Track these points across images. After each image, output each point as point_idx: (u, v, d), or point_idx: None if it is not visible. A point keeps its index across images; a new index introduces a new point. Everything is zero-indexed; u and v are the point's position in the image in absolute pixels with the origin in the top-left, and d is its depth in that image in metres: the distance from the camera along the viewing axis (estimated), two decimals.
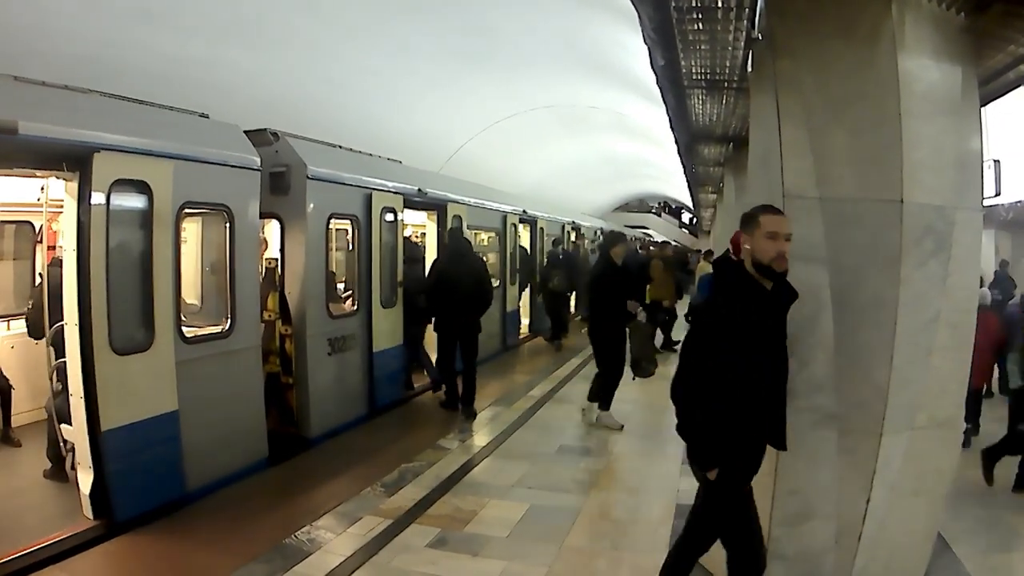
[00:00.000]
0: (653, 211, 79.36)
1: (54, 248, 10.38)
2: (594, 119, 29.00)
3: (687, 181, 24.99)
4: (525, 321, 24.30)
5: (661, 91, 10.54)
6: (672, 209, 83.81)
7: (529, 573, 7.15)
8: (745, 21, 6.92)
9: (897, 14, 5.70)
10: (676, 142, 15.80)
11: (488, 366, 18.00)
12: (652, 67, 9.24)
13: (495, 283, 20.14)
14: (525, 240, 23.78)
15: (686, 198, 54.98)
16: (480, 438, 11.85)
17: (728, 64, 8.43)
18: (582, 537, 8.07)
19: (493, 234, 21.07)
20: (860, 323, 5.88)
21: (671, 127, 13.87)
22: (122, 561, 7.42)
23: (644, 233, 67.48)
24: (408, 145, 19.93)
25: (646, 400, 14.55)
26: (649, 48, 8.33)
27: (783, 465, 5.97)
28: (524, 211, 23.11)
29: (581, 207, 41.23)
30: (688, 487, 8.20)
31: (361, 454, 10.94)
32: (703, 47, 7.89)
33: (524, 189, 27.97)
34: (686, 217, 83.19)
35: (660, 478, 9.93)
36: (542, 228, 25.40)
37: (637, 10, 7.20)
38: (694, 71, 8.84)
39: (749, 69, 7.98)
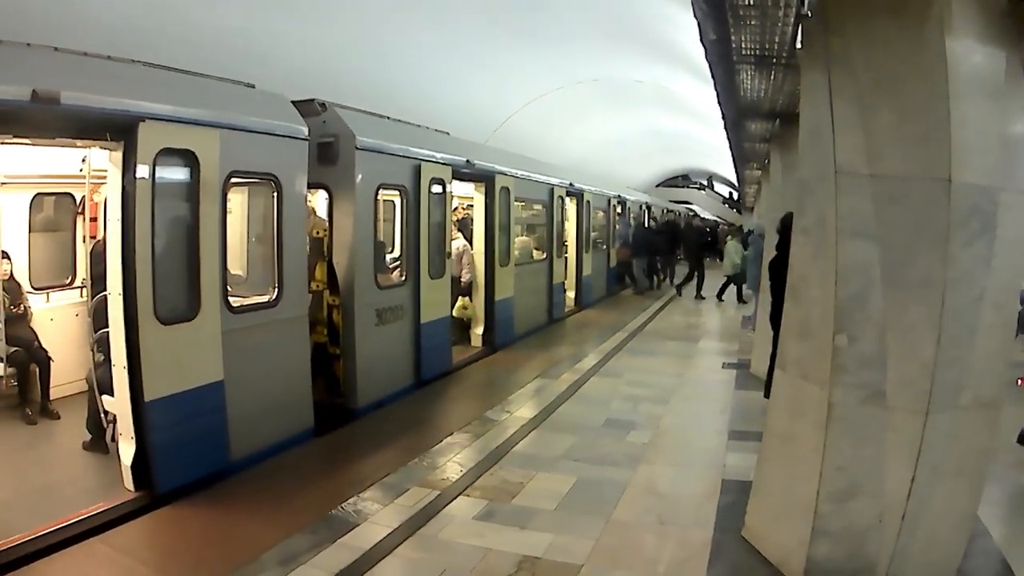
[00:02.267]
0: (697, 186, 78.91)
1: (95, 220, 10.24)
2: (639, 93, 28.71)
3: (732, 157, 24.62)
4: (570, 294, 23.91)
5: (710, 66, 10.34)
6: (716, 185, 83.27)
7: (576, 546, 6.98)
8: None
9: None
10: (723, 118, 15.48)
11: (534, 338, 18.22)
12: (702, 42, 9.06)
13: (542, 256, 20.15)
14: (572, 212, 23.52)
15: (729, 173, 54.62)
16: (527, 410, 11.62)
17: (777, 40, 8.25)
18: (629, 511, 7.87)
19: (540, 206, 20.84)
20: (908, 300, 5.79)
21: (718, 102, 13.56)
22: (164, 533, 7.26)
23: (688, 209, 67.04)
24: (454, 117, 19.61)
25: (693, 374, 14.54)
26: (699, 23, 8.16)
27: (831, 441, 5.92)
28: (571, 184, 22.75)
29: (626, 181, 40.92)
30: (735, 462, 9.19)
31: (407, 425, 10.77)
32: (753, 23, 7.71)
33: (569, 163, 27.79)
34: (728, 192, 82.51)
35: (707, 452, 9.79)
36: (588, 201, 24.97)
37: None
38: (744, 47, 8.65)
39: (798, 46, 7.82)
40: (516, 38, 20.47)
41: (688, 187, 77.21)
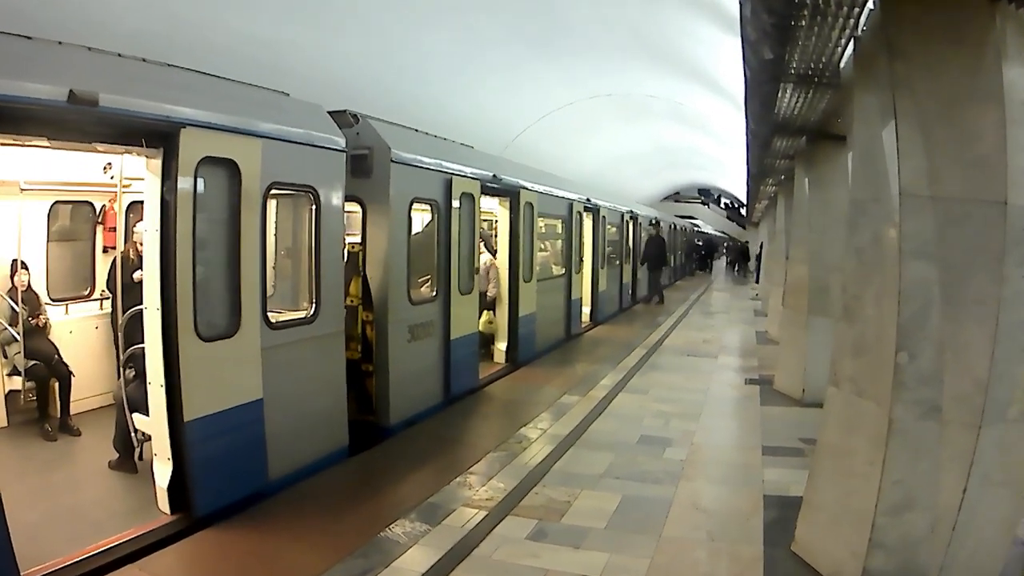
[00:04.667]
0: (701, 201, 79.09)
1: (114, 230, 10.05)
2: (651, 108, 28.70)
3: (747, 173, 24.44)
4: (586, 310, 23.70)
5: (750, 84, 10.22)
6: (719, 200, 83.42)
7: (633, 565, 6.87)
8: (852, 19, 6.67)
9: (1000, 24, 5.73)
10: (749, 134, 15.25)
11: (555, 355, 18.05)
12: (745, 61, 9.03)
13: (560, 271, 20.07)
14: (588, 228, 23.17)
15: (736, 189, 54.61)
16: (560, 427, 11.35)
17: (824, 60, 8.14)
18: (678, 528, 7.74)
19: (560, 222, 20.60)
20: (965, 319, 5.85)
21: (747, 119, 13.37)
22: (206, 558, 6.94)
23: (692, 224, 67.09)
24: (470, 130, 19.46)
25: (718, 391, 14.52)
26: (752, 42, 8.09)
27: (890, 456, 5.95)
28: (587, 199, 22.66)
29: (634, 195, 40.94)
30: (773, 478, 9.19)
31: (442, 443, 10.56)
32: (809, 42, 7.54)
33: (580, 177, 27.38)
34: (732, 207, 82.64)
35: (744, 469, 9.72)
36: (604, 217, 24.87)
37: (745, 6, 7.12)
38: (792, 66, 8.52)
39: (841, 65, 7.93)
40: (533, 52, 20.42)
41: (692, 202, 77.40)
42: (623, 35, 19.99)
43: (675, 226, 48.04)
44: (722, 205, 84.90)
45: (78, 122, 6.54)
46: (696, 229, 68.74)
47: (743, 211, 66.91)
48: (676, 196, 73.83)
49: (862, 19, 6.63)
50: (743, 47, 8.60)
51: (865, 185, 6.49)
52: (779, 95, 9.89)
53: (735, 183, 49.26)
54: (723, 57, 17.02)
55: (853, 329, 6.56)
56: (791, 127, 12.21)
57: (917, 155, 5.84)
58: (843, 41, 7.30)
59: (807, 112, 10.88)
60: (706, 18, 16.48)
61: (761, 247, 39.91)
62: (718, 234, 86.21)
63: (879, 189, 6.14)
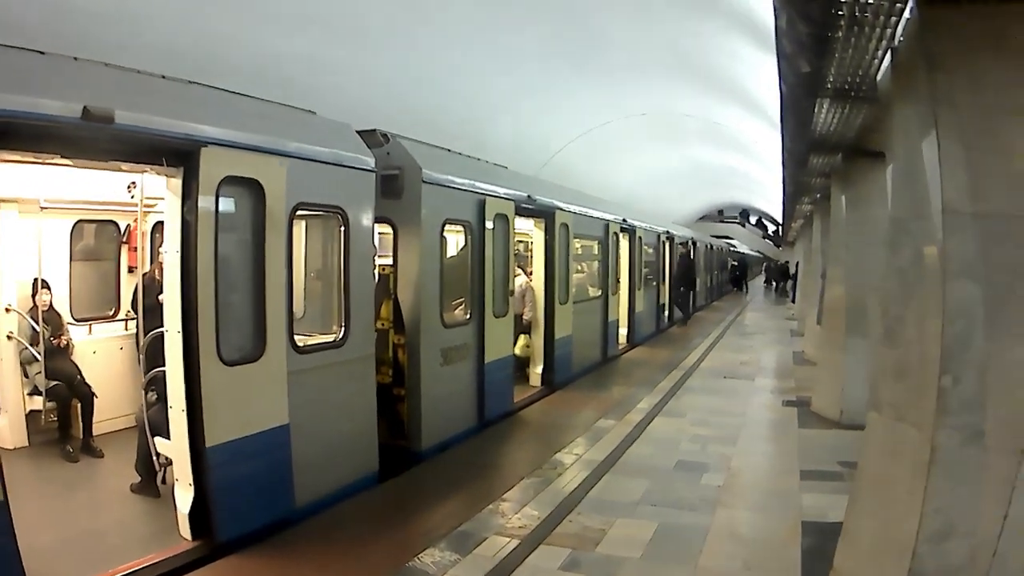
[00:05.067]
0: (737, 221, 78.88)
1: (138, 249, 9.96)
2: (686, 127, 28.54)
3: (783, 192, 24.09)
4: (623, 332, 23.39)
5: (786, 100, 9.96)
6: (754, 219, 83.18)
7: None
8: (890, 29, 6.42)
9: None
10: (785, 152, 14.91)
11: (591, 377, 17.83)
12: (781, 77, 8.77)
13: (596, 293, 19.77)
14: (624, 249, 22.96)
15: (771, 208, 54.29)
16: (596, 452, 11.02)
17: (861, 73, 7.88)
18: (714, 558, 7.41)
19: (596, 243, 20.31)
20: (1009, 340, 5.51)
21: (783, 137, 13.06)
22: None
23: (727, 243, 66.83)
24: (505, 150, 19.35)
25: (755, 413, 14.27)
26: (788, 56, 7.80)
27: (932, 483, 5.56)
28: (624, 220, 22.32)
29: (670, 216, 40.69)
30: (811, 503, 8.90)
31: (475, 469, 10.28)
32: (846, 54, 7.28)
33: (616, 197, 27.40)
34: (769, 227, 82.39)
35: (782, 494, 9.38)
36: (640, 237, 24.62)
37: (780, 17, 6.85)
38: (829, 80, 8.27)
39: (878, 78, 7.61)
40: (568, 71, 20.24)
41: (728, 222, 77.19)
42: (660, 53, 19.80)
43: (711, 246, 47.80)
44: (758, 225, 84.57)
45: (93, 139, 6.36)
46: (732, 249, 68.64)
47: (779, 231, 66.53)
48: (715, 216, 73.66)
49: (899, 29, 6.38)
50: (779, 62, 8.30)
51: (906, 202, 6.21)
52: (816, 110, 9.63)
53: (771, 203, 49.06)
54: (759, 75, 16.77)
55: (894, 351, 6.24)
56: (827, 144, 11.96)
57: (959, 171, 5.53)
58: (880, 53, 7.07)
59: (843, 128, 10.62)
60: (743, 36, 16.23)
61: (797, 266, 39.54)
62: (754, 254, 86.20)
63: (921, 206, 5.80)
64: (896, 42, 6.49)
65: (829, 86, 8.41)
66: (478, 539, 7.67)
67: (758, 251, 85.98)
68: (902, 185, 6.36)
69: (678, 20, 17.57)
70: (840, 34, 6.58)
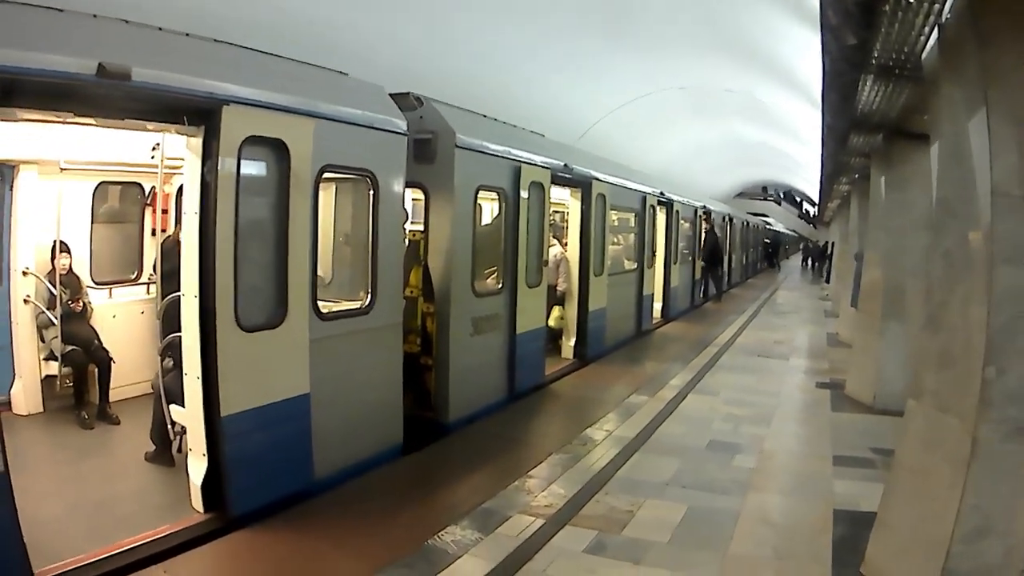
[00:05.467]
0: (774, 199, 78.46)
1: (166, 212, 9.83)
2: (726, 102, 27.98)
3: (821, 170, 23.66)
4: (658, 306, 23.19)
5: (829, 74, 9.56)
6: (792, 199, 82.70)
7: None
8: (938, 4, 6.09)
9: None
10: (825, 129, 14.49)
11: (624, 351, 17.67)
12: (825, 50, 8.41)
13: (632, 266, 19.62)
14: (661, 222, 22.82)
15: (807, 188, 53.87)
16: (627, 429, 10.69)
17: (906, 50, 7.57)
18: (744, 544, 7.14)
19: (633, 215, 20.06)
20: None
21: (823, 113, 12.70)
22: (236, 562, 6.41)
23: (764, 221, 66.53)
24: (543, 120, 18.86)
25: (788, 394, 14.11)
26: (833, 27, 7.40)
27: (972, 479, 5.41)
28: (661, 193, 22.01)
29: (707, 191, 40.39)
30: (843, 491, 8.60)
31: (502, 443, 9.97)
32: (892, 29, 6.94)
33: (653, 170, 27.15)
34: (805, 207, 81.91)
35: (814, 480, 9.08)
36: (677, 212, 24.42)
37: None
38: (874, 56, 7.95)
39: (923, 56, 7.26)
40: (607, 43, 19.81)
41: (765, 199, 76.78)
42: (699, 27, 19.32)
43: (747, 223, 47.46)
44: (794, 204, 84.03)
45: (109, 97, 6.09)
46: (768, 227, 68.37)
47: (815, 210, 66.07)
48: (752, 194, 73.22)
49: (947, 5, 6.05)
50: (823, 34, 7.96)
51: (953, 184, 5.96)
52: (859, 86, 9.34)
53: (807, 182, 48.73)
54: (801, 51, 16.33)
55: (937, 338, 6.04)
56: (869, 123, 11.67)
57: (1010, 152, 5.29)
58: (927, 29, 6.73)
59: (886, 107, 10.34)
60: (784, 10, 15.78)
61: (832, 247, 39.07)
62: (788, 232, 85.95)
63: (968, 188, 5.58)
64: (944, 18, 6.21)
65: (874, 62, 8.12)
66: (502, 517, 7.37)
67: (793, 230, 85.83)
68: (948, 166, 6.09)
69: None
70: (887, 7, 6.26)
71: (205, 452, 6.90)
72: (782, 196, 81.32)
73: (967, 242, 5.60)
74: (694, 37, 20.07)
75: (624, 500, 8.08)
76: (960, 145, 5.74)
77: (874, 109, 10.44)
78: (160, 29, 6.68)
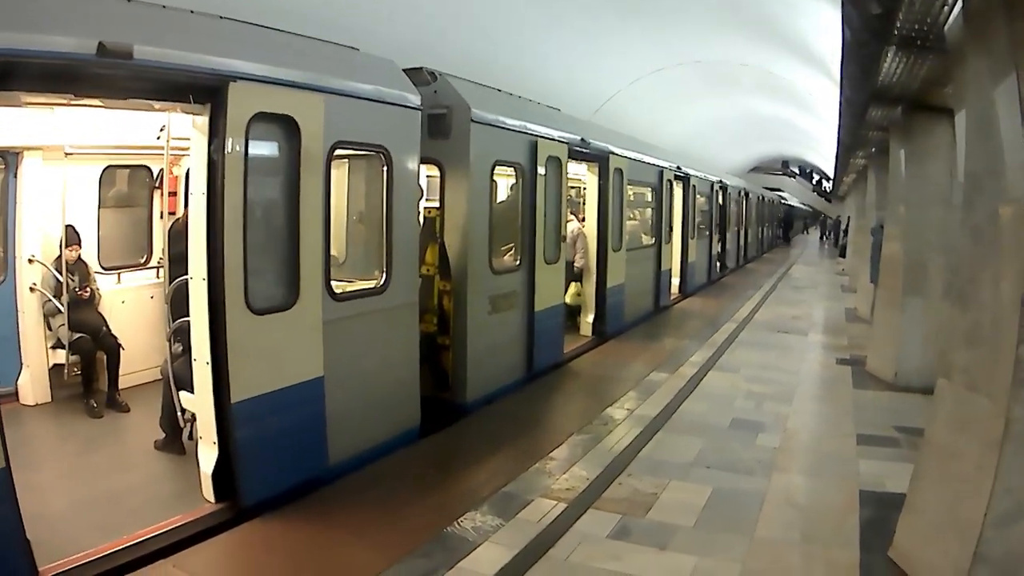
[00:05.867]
0: (789, 174, 78.27)
1: (175, 195, 9.61)
2: (742, 77, 27.66)
3: (837, 144, 23.42)
4: (676, 281, 23.01)
5: (849, 45, 9.33)
6: (807, 173, 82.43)
7: (723, 571, 6.12)
8: None
9: None
10: (842, 102, 14.22)
11: (643, 328, 17.53)
12: (845, 20, 8.23)
13: (650, 241, 19.48)
14: (678, 197, 22.54)
15: (822, 162, 53.64)
16: (648, 407, 10.50)
17: (930, 21, 7.32)
18: (771, 528, 6.94)
19: (650, 190, 19.79)
20: None
21: (841, 86, 12.44)
22: (250, 554, 6.20)
23: (779, 196, 66.40)
24: (558, 95, 18.59)
25: (809, 370, 13.92)
26: None
27: (1005, 461, 5.19)
28: (678, 168, 21.72)
29: (723, 165, 40.17)
30: (868, 470, 8.42)
31: (522, 424, 9.74)
32: None
33: (669, 145, 26.99)
34: (821, 182, 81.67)
35: (839, 460, 8.84)
36: (694, 186, 24.14)
37: None
38: (896, 26, 7.68)
39: (946, 28, 7.06)
40: (621, 16, 19.45)
41: (780, 174, 76.56)
42: (715, 1, 18.88)
43: (762, 198, 47.28)
44: (809, 179, 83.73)
45: (110, 77, 5.83)
46: (783, 201, 68.30)
47: (830, 185, 65.87)
48: (767, 168, 73.00)
49: None
50: (844, 6, 7.72)
51: (981, 157, 5.75)
52: (881, 58, 9.03)
53: (822, 156, 48.48)
54: (818, 23, 16.01)
55: (967, 316, 5.84)
56: (889, 95, 11.40)
57: None
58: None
59: (907, 79, 10.07)
60: None
61: (848, 221, 38.78)
62: (803, 207, 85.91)
63: (997, 161, 5.40)
64: None
65: (896, 33, 7.85)
66: (523, 502, 7.19)
67: (808, 204, 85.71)
68: (976, 140, 5.88)
69: None
70: None
71: (215, 440, 6.69)
72: (797, 171, 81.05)
73: (998, 217, 5.40)
74: (710, 11, 19.77)
75: (648, 482, 7.83)
76: (989, 118, 5.52)
77: (894, 81, 10.19)
78: (164, 7, 6.40)
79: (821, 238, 71.17)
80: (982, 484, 5.26)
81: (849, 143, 20.00)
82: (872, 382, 12.62)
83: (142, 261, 11.01)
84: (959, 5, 6.22)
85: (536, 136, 11.95)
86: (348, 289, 8.39)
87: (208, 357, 6.57)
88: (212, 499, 6.73)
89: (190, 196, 6.89)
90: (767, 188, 60.81)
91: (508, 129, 11.22)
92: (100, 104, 6.55)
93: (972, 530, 5.26)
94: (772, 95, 30.35)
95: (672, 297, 22.20)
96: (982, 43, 5.67)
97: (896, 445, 9.18)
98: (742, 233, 35.93)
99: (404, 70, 9.16)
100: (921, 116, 11.99)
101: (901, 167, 12.98)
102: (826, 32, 13.92)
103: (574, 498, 7.30)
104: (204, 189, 6.51)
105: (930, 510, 6.05)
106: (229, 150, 6.42)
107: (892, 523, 6.39)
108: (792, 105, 31.16)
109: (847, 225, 39.94)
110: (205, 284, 6.54)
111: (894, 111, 12.69)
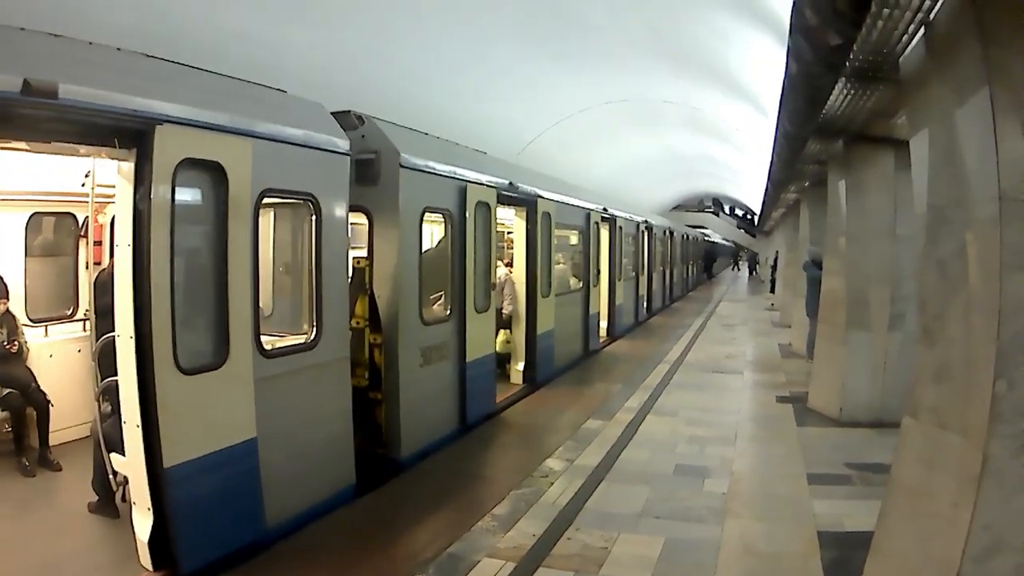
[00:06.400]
0: (710, 210, 79.41)
1: (100, 244, 9.55)
2: (666, 114, 28.21)
3: (768, 179, 23.62)
4: (604, 325, 23.08)
5: (796, 79, 9.09)
6: (731, 209, 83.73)
7: None
8: (928, 1, 5.92)
9: None
10: (779, 137, 14.33)
11: (574, 374, 17.52)
12: (795, 53, 8.00)
13: (577, 285, 19.71)
14: (605, 239, 22.67)
15: (747, 198, 54.47)
16: (588, 457, 10.45)
17: (886, 50, 7.45)
18: None
19: (578, 233, 19.97)
20: None
21: (779, 120, 12.50)
22: None
23: (702, 233, 67.32)
24: (482, 136, 18.85)
25: (750, 410, 14.04)
26: (810, 29, 7.01)
27: (983, 497, 5.13)
28: (604, 209, 21.90)
29: (646, 205, 40.58)
30: (824, 511, 8.44)
31: (460, 479, 9.66)
32: (875, 28, 6.79)
33: (592, 185, 27.25)
34: (744, 217, 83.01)
35: (792, 502, 8.87)
36: (620, 227, 24.34)
37: None
38: (850, 57, 7.75)
39: (901, 58, 7.13)
40: (545, 55, 19.75)
41: (702, 211, 77.81)
42: (642, 35, 19.23)
43: (687, 236, 47.82)
44: (732, 214, 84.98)
45: (34, 117, 5.63)
46: (706, 239, 69.34)
47: (755, 220, 66.97)
48: (689, 206, 74.11)
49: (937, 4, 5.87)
50: (793, 38, 7.60)
51: (946, 188, 5.73)
52: (830, 91, 9.08)
53: (747, 192, 49.28)
54: (752, 55, 16.17)
55: (934, 352, 5.79)
56: (833, 128, 11.55)
57: (1020, 153, 5.01)
58: (911, 28, 6.55)
59: (852, 112, 10.21)
60: (736, 16, 15.60)
61: (776, 256, 39.30)
62: (726, 243, 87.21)
63: (964, 192, 5.39)
64: (932, 16, 6.03)
65: (848, 64, 7.92)
66: (470, 563, 7.04)
67: (732, 241, 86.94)
68: (940, 171, 5.87)
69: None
70: (875, 4, 6.08)
71: (150, 506, 6.48)
72: (721, 207, 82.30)
73: (965, 250, 5.39)
74: (634, 45, 20.07)
75: (597, 536, 7.77)
76: (955, 147, 5.56)
77: (840, 113, 10.34)
78: (90, 44, 6.29)
79: (751, 272, 73.43)
80: (958, 521, 5.25)
81: (782, 178, 20.15)
82: (816, 419, 12.73)
83: (68, 313, 10.84)
84: (920, 33, 6.30)
85: (466, 181, 11.95)
86: (278, 345, 8.23)
87: (138, 419, 6.37)
88: (150, 567, 6.52)
89: (115, 247, 6.72)
90: (691, 226, 61.61)
91: (438, 174, 11.19)
92: (25, 148, 6.39)
93: (949, 566, 5.24)
94: (697, 131, 31.15)
95: (601, 340, 22.20)
96: (947, 71, 5.74)
97: (849, 483, 9.31)
98: (667, 273, 36.17)
99: (331, 113, 9.08)
100: (863, 147, 12.17)
101: (841, 200, 13.13)
102: (762, 64, 14.07)
103: (522, 556, 7.18)
104: (130, 240, 6.33)
105: (901, 552, 6.03)
106: (155, 198, 6.25)
107: (856, 563, 6.35)
108: (717, 141, 31.97)
109: (775, 260, 40.45)
110: (132, 342, 6.34)
111: (834, 144, 12.87)
